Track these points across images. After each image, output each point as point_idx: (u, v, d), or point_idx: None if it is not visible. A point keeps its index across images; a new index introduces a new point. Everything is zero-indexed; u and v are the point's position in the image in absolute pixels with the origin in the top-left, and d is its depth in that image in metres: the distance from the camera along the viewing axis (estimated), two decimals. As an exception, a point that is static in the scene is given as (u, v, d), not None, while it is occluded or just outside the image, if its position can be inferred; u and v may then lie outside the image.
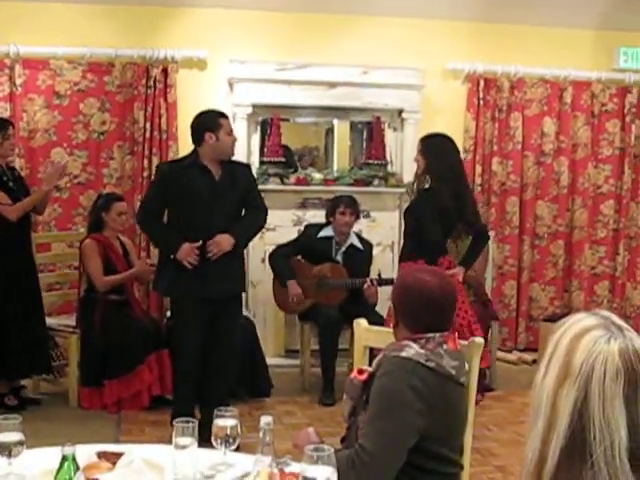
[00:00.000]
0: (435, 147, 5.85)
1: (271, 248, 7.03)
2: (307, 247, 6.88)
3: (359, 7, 7.70)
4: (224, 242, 5.30)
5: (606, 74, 8.23)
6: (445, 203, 5.66)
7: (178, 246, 5.26)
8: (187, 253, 5.25)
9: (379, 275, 6.77)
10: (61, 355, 6.69)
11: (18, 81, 7.24)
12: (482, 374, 6.21)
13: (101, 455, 2.62)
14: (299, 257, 6.90)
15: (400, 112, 7.80)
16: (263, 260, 7.26)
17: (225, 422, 2.61)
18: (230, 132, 5.35)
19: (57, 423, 5.73)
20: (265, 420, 2.33)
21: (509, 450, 5.48)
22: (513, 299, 8.28)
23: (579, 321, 1.66)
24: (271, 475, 2.29)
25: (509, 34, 8.03)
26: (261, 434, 2.32)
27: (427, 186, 5.88)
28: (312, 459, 2.13)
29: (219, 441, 2.60)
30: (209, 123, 5.30)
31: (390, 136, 7.90)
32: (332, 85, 7.62)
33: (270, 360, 7.03)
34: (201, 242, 5.25)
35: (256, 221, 5.61)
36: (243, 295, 6.10)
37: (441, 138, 5.96)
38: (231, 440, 2.60)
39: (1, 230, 5.88)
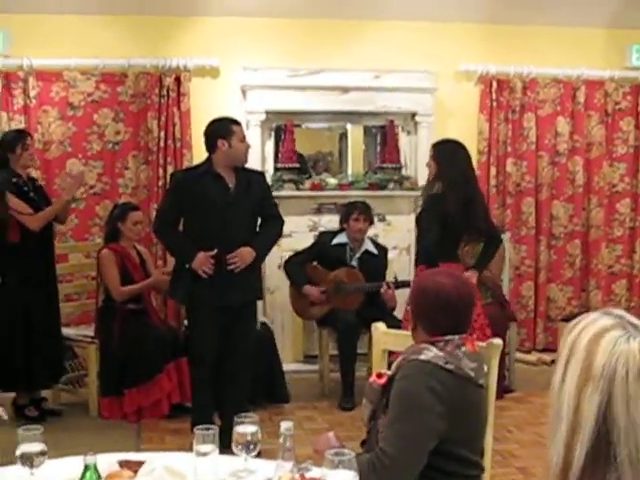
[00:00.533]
0: (447, 153, 5.84)
1: (287, 254, 7.04)
2: (321, 254, 6.89)
3: (370, 12, 7.70)
4: (247, 255, 5.31)
5: (619, 72, 8.21)
6: (450, 208, 5.64)
7: (193, 255, 5.25)
8: (202, 262, 5.25)
9: (395, 278, 6.77)
10: (80, 365, 6.71)
11: (32, 93, 7.28)
12: (501, 375, 6.20)
13: (123, 464, 2.62)
14: (315, 263, 6.91)
15: (413, 115, 7.79)
16: (280, 266, 7.25)
17: (245, 428, 2.60)
18: (243, 139, 5.35)
19: (78, 433, 5.75)
20: (285, 425, 2.33)
21: (530, 451, 5.47)
22: (531, 300, 8.26)
23: (594, 322, 1.64)
24: (292, 480, 2.29)
25: (520, 35, 8.02)
26: (281, 440, 2.32)
27: (435, 191, 5.86)
28: (333, 463, 2.12)
29: (240, 447, 2.60)
30: (221, 130, 5.30)
31: (404, 139, 7.90)
32: (345, 90, 7.62)
33: (289, 366, 7.05)
34: (216, 251, 5.25)
35: (274, 233, 5.62)
36: (260, 302, 6.11)
37: (453, 144, 5.95)
38: (252, 446, 2.60)
39: (23, 240, 5.91)
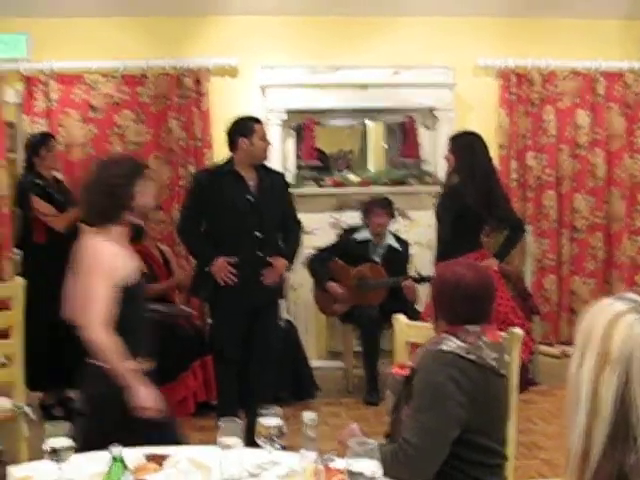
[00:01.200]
0: (465, 145, 5.87)
1: (309, 251, 7.04)
2: (345, 251, 6.91)
3: (387, 8, 7.70)
4: (282, 268, 5.39)
5: (638, 64, 8.16)
6: (468, 201, 5.67)
7: (212, 260, 5.29)
8: (220, 269, 5.26)
9: (418, 273, 6.78)
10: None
11: (53, 96, 7.32)
12: (525, 368, 6.20)
13: (149, 457, 2.66)
14: (338, 259, 6.92)
15: (433, 111, 7.80)
16: (303, 264, 7.27)
17: (269, 421, 2.63)
18: (263, 137, 5.36)
19: (105, 432, 5.79)
20: (309, 416, 2.35)
21: (555, 443, 5.46)
22: (554, 293, 8.22)
23: (609, 307, 1.66)
24: (316, 471, 2.31)
25: (538, 28, 7.99)
26: (304, 429, 2.34)
27: (453, 183, 5.90)
28: (357, 453, 2.14)
29: (264, 440, 2.63)
30: (243, 129, 5.32)
31: (424, 135, 7.90)
32: (364, 87, 7.64)
33: (313, 363, 7.06)
34: (236, 259, 5.27)
35: (299, 240, 5.66)
36: (284, 300, 6.14)
37: (471, 136, 5.98)
38: (276, 439, 2.63)
39: (49, 241, 5.95)
